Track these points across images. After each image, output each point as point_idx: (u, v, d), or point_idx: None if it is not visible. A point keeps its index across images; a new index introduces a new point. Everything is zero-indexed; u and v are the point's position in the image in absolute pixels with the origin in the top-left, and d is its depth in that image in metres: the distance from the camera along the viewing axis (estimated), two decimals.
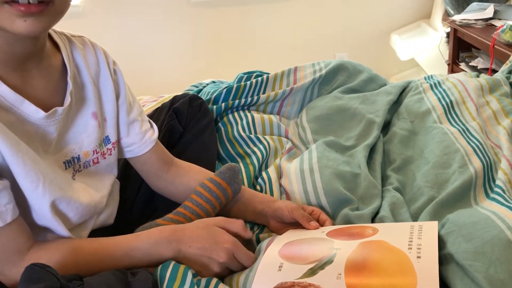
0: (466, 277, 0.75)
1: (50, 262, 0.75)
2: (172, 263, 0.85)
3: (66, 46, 0.93)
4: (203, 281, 0.84)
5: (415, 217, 1.01)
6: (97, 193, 0.96)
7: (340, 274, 0.78)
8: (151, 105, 1.61)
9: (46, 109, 0.84)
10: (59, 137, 0.89)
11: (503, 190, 0.99)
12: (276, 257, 0.88)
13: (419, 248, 0.81)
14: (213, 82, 1.79)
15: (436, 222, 0.90)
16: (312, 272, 0.81)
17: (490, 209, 0.91)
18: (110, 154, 1.00)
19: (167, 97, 1.65)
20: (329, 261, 0.82)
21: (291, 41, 3.33)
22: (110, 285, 0.76)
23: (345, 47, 3.44)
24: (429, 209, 0.99)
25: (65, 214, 0.88)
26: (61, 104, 0.88)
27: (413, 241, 0.84)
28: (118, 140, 1.03)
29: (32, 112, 0.82)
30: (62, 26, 0.91)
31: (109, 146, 0.99)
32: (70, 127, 0.92)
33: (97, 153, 0.96)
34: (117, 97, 1.01)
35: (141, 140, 1.04)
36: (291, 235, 0.97)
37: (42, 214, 0.84)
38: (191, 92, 1.67)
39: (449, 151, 1.19)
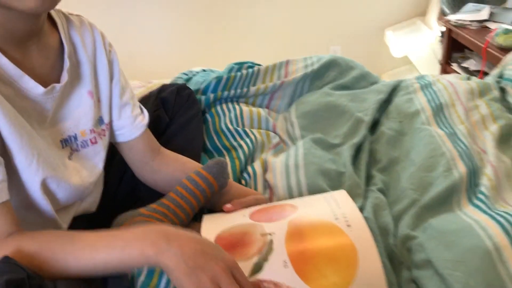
0: (443, 285, 0.75)
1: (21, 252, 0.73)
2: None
3: (64, 24, 0.93)
4: None
5: (396, 219, 1.01)
6: (89, 176, 0.96)
7: (286, 262, 0.74)
8: (138, 91, 1.59)
9: (44, 86, 0.84)
10: (55, 112, 0.89)
11: (486, 197, 0.99)
12: None
13: (345, 217, 0.80)
14: (204, 70, 1.77)
15: (343, 191, 0.90)
16: (258, 266, 0.76)
17: (473, 217, 0.91)
18: (105, 135, 1.00)
19: (156, 83, 1.63)
20: (270, 250, 0.77)
21: (286, 33, 3.30)
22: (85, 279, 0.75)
23: (339, 40, 3.42)
24: (412, 212, 0.99)
25: (54, 194, 0.87)
26: (58, 82, 0.88)
27: (336, 212, 0.82)
28: (110, 122, 1.02)
29: (31, 87, 0.82)
30: None
31: (103, 127, 1.00)
32: (65, 103, 0.92)
33: (94, 132, 0.96)
34: (111, 79, 1.01)
35: (132, 124, 1.04)
36: (213, 225, 0.89)
37: (32, 191, 0.83)
38: (180, 80, 1.66)
39: (435, 154, 1.18)
